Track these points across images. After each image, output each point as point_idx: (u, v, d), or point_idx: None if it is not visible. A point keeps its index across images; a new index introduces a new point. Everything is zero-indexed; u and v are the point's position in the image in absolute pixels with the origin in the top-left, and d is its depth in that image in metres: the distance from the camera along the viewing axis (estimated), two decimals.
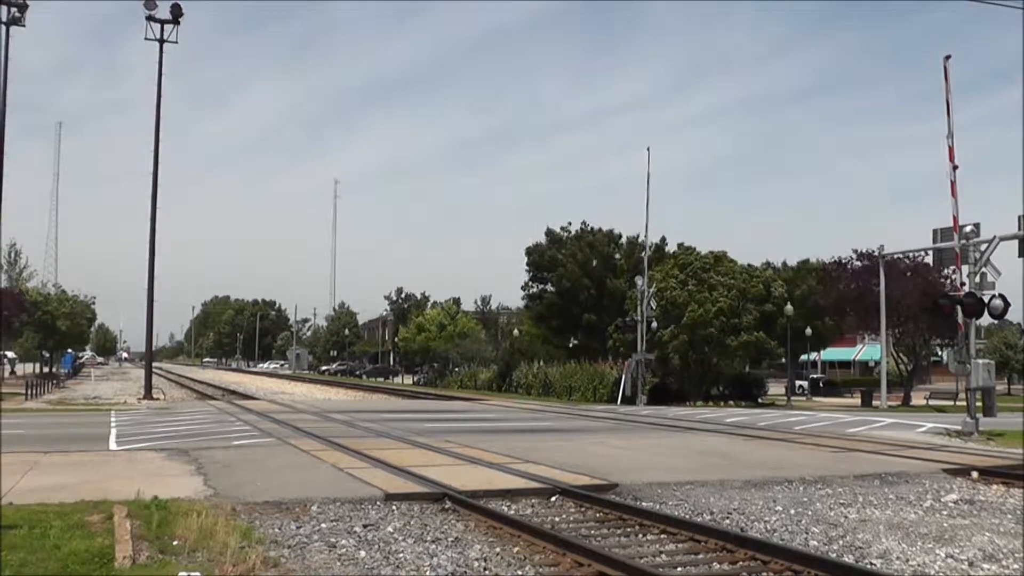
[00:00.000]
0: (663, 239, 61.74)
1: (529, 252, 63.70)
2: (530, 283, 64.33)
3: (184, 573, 6.90)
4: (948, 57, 23.94)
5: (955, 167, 23.36)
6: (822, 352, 72.45)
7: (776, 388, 53.73)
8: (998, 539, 9.22)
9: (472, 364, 68.09)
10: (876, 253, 46.08)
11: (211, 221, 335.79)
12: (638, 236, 62.59)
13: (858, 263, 48.81)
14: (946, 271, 41.87)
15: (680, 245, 52.86)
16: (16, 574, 6.93)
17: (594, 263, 59.44)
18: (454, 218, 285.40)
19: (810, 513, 10.63)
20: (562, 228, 63.50)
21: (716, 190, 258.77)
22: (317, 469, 13.88)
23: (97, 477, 12.51)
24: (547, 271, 62.14)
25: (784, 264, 61.33)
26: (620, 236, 62.45)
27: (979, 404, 22.70)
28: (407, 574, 7.48)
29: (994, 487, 13.18)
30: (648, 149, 45.85)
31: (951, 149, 23.45)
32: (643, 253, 56.69)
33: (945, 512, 10.92)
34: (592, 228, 62.77)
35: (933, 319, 42.44)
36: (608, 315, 54.04)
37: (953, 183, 23.33)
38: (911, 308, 44.90)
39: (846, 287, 48.66)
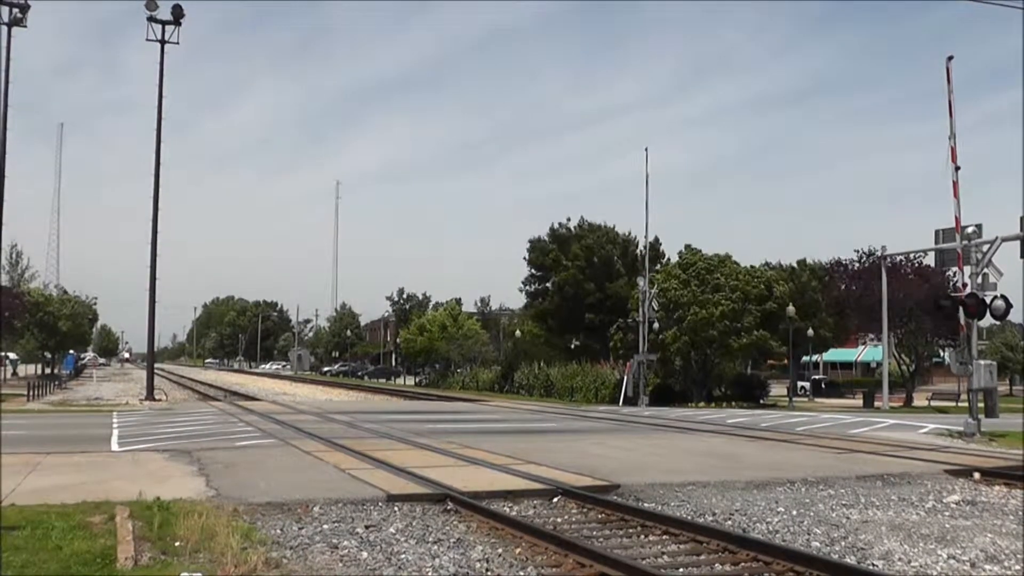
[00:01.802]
0: (656, 239, 61.88)
1: (531, 248, 63.58)
2: (530, 280, 64.29)
3: (186, 574, 6.91)
4: (951, 58, 23.83)
5: (957, 168, 23.30)
6: (824, 353, 72.44)
7: (778, 389, 53.71)
8: (1000, 540, 9.21)
9: (474, 365, 68.07)
10: (878, 254, 46.08)
11: (213, 222, 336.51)
12: (629, 233, 62.78)
13: (858, 264, 48.80)
14: (948, 271, 41.82)
15: (687, 247, 52.87)
16: (18, 575, 6.94)
17: (595, 262, 59.42)
18: (455, 218, 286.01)
19: (812, 514, 10.63)
20: (561, 224, 63.53)
21: (716, 190, 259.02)
22: (319, 470, 13.89)
23: (99, 478, 12.52)
24: (549, 269, 62.10)
25: (780, 263, 61.40)
26: (618, 236, 62.44)
27: (981, 405, 22.69)
28: (409, 575, 7.48)
29: (996, 488, 13.17)
30: (646, 150, 45.50)
31: (953, 150, 23.42)
32: (640, 253, 56.89)
33: (947, 513, 10.92)
34: (593, 225, 62.73)
35: (935, 320, 42.41)
36: (610, 315, 54.03)
37: (955, 183, 23.30)
38: (913, 309, 44.89)
39: (847, 288, 48.64)
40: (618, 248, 61.24)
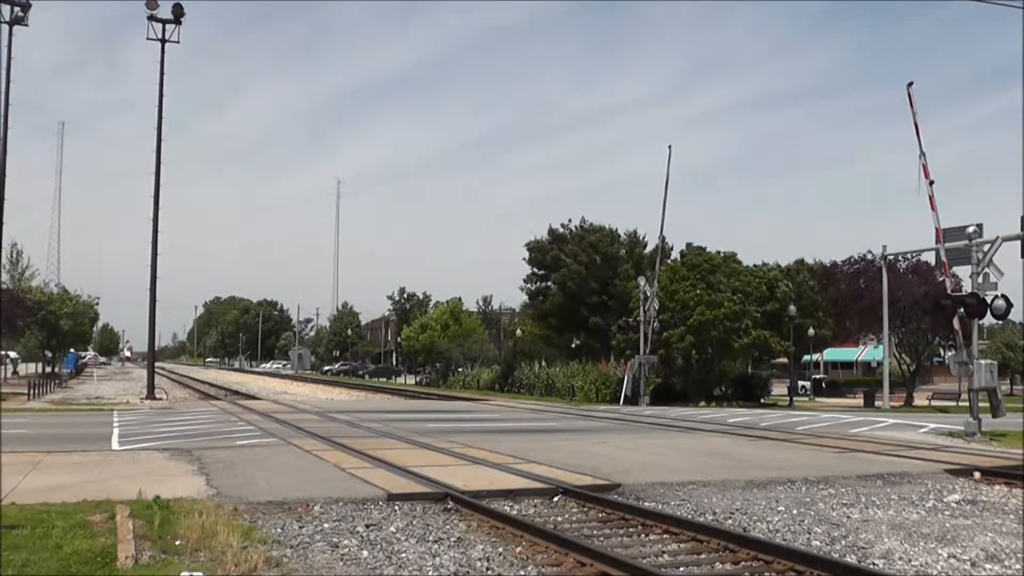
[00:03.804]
0: (663, 239, 61.75)
1: (531, 248, 63.57)
2: (532, 279, 64.25)
3: (187, 573, 6.91)
4: (911, 84, 25.36)
5: (931, 182, 24.46)
6: (824, 352, 72.37)
7: (779, 388, 53.70)
8: (1000, 539, 9.21)
9: (475, 364, 68.04)
10: (876, 254, 46.08)
11: (213, 221, 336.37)
12: (635, 232, 62.68)
13: (857, 265, 48.81)
14: (950, 272, 41.89)
15: (688, 245, 52.88)
16: (18, 574, 6.94)
17: (597, 262, 59.39)
18: (455, 218, 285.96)
19: (812, 513, 10.63)
20: (563, 225, 63.51)
21: (716, 190, 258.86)
22: (319, 469, 13.89)
23: (99, 477, 12.53)
24: (549, 269, 62.04)
25: (778, 264, 61.38)
26: (620, 235, 62.42)
27: (982, 405, 22.73)
28: (409, 574, 7.48)
29: (996, 487, 13.17)
30: (669, 147, 42.82)
31: (925, 167, 24.59)
32: (650, 252, 56.73)
33: (947, 512, 10.92)
34: (593, 225, 62.69)
35: (935, 320, 42.42)
36: (611, 315, 54.00)
37: (931, 198, 24.43)
38: (914, 309, 44.89)
39: (847, 288, 48.64)
40: (624, 247, 61.21)
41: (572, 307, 59.08)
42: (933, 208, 24.29)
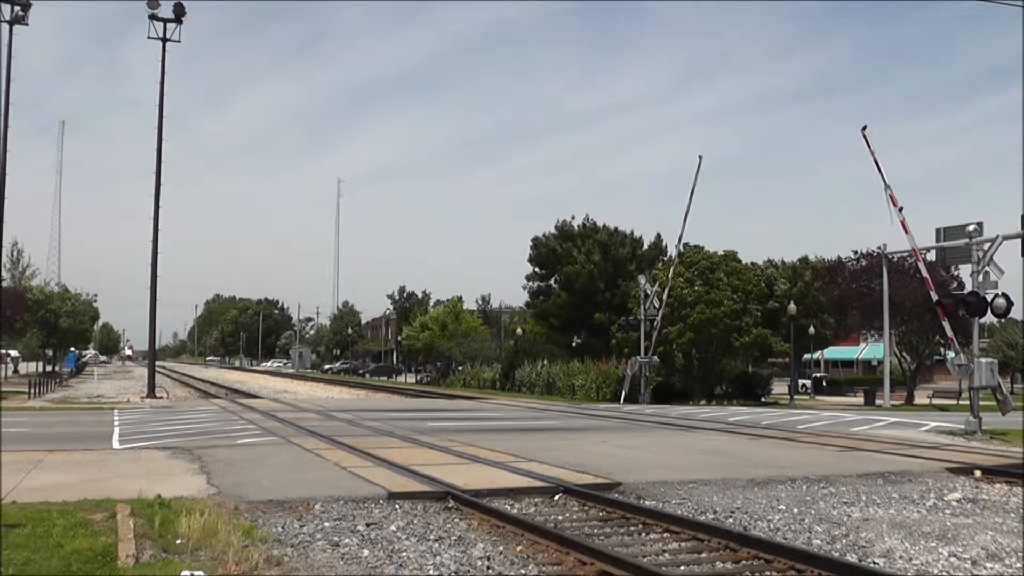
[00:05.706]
0: (659, 236, 61.80)
1: (536, 245, 63.43)
2: (534, 277, 64.14)
3: (187, 572, 6.90)
4: (864, 127, 26.72)
5: (900, 208, 26.04)
6: (825, 351, 72.41)
7: (779, 387, 53.71)
8: (1001, 538, 9.21)
9: (475, 363, 68.03)
10: (878, 252, 46.03)
11: (214, 220, 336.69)
12: (631, 233, 62.74)
13: (860, 262, 48.75)
14: (952, 269, 42.05)
15: (686, 245, 52.86)
16: (19, 573, 6.93)
17: (603, 262, 59.37)
18: (455, 217, 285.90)
19: (813, 512, 10.62)
20: (566, 222, 63.43)
21: (717, 189, 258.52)
22: (320, 468, 13.88)
23: (100, 476, 12.52)
24: (554, 266, 61.92)
25: (783, 261, 61.41)
26: (626, 236, 62.38)
27: (983, 403, 22.73)
28: (410, 573, 7.48)
29: (997, 486, 13.16)
30: (700, 157, 41.47)
31: (892, 197, 26.03)
32: (651, 252, 56.78)
33: (948, 511, 10.91)
34: (597, 224, 62.68)
35: (935, 318, 42.40)
36: (612, 314, 53.98)
37: (903, 222, 26.09)
38: (914, 307, 44.86)
39: (848, 286, 48.62)
40: (625, 247, 61.20)
41: (577, 305, 58.97)
42: (907, 231, 26.20)
